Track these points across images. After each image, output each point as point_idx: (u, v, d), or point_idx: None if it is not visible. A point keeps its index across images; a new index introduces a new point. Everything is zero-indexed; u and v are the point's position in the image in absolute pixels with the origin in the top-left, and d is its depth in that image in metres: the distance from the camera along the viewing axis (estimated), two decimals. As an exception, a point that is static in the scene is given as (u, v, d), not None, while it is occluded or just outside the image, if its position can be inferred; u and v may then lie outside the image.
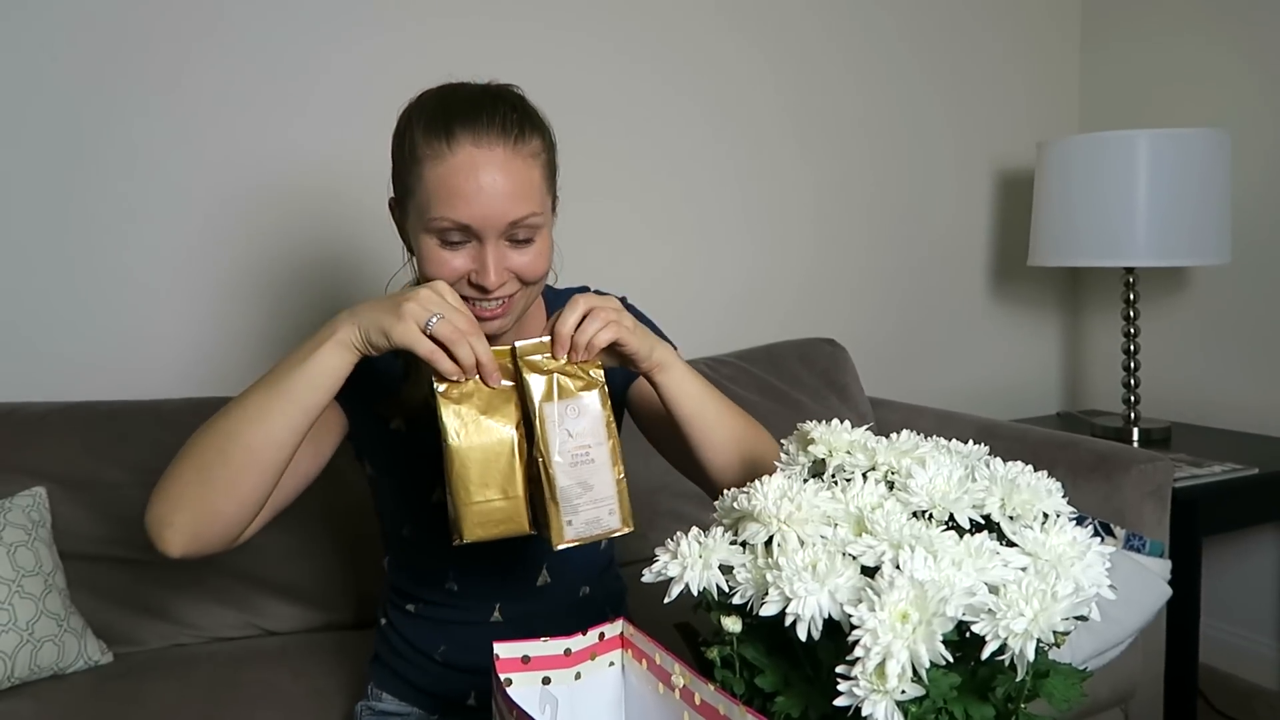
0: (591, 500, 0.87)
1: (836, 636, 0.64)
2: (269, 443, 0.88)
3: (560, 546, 0.87)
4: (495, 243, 0.95)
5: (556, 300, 1.17)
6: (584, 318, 0.89)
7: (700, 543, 0.73)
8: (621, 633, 0.80)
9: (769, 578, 0.67)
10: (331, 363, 0.88)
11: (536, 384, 0.87)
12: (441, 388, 0.86)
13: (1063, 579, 0.64)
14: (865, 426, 0.82)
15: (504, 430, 0.86)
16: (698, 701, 0.68)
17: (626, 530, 0.88)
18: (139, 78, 1.69)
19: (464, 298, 0.96)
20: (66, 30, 1.64)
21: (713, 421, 0.98)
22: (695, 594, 0.72)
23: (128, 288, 1.72)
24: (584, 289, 1.20)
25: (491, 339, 1.01)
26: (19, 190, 1.64)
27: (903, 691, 0.59)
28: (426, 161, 0.95)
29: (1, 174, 1.63)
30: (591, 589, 1.17)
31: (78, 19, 1.64)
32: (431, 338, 0.85)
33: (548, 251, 1.00)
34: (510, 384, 0.88)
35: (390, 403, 1.08)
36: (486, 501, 0.86)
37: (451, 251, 0.96)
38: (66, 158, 1.66)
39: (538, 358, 0.88)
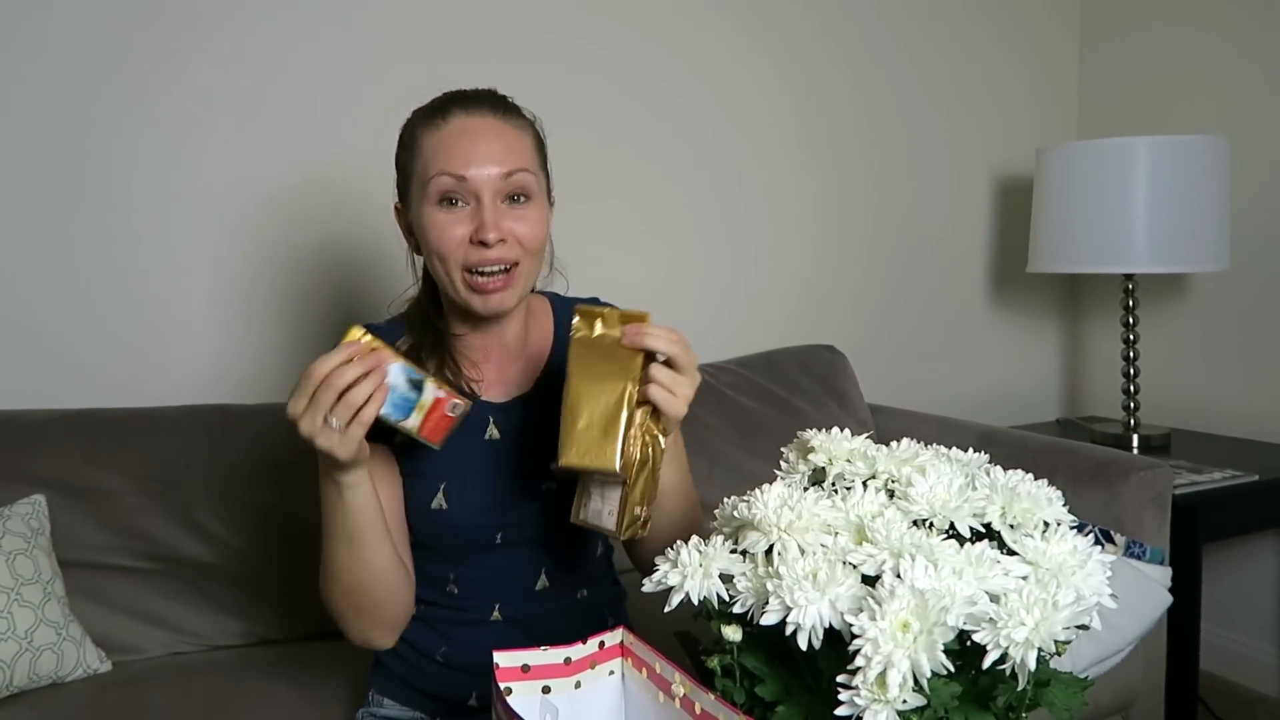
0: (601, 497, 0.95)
1: (837, 645, 0.64)
2: (373, 566, 1.01)
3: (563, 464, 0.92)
4: (492, 201, 1.01)
5: (565, 308, 1.19)
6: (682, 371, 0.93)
7: (700, 552, 0.73)
8: (621, 641, 0.80)
9: (769, 586, 0.67)
10: (343, 496, 0.96)
11: None
12: (578, 334, 0.94)
13: (1064, 588, 0.64)
14: (865, 434, 0.82)
15: (616, 379, 0.92)
16: (698, 710, 0.68)
17: (615, 536, 0.95)
18: (143, 85, 1.69)
19: (468, 269, 1.02)
20: (72, 40, 1.64)
21: (662, 503, 1.02)
22: (695, 603, 0.72)
23: (128, 295, 1.72)
24: (594, 300, 1.20)
25: (502, 316, 1.08)
26: (22, 197, 1.64)
27: (904, 701, 0.59)
28: (423, 137, 1.03)
29: (5, 181, 1.63)
30: (590, 593, 1.18)
31: (81, 29, 1.65)
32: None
33: (544, 221, 1.06)
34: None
35: None
36: (587, 431, 0.91)
37: (451, 216, 1.01)
38: (70, 166, 1.66)
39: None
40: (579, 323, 0.94)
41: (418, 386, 0.94)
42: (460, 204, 1.02)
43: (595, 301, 1.20)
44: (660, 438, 0.94)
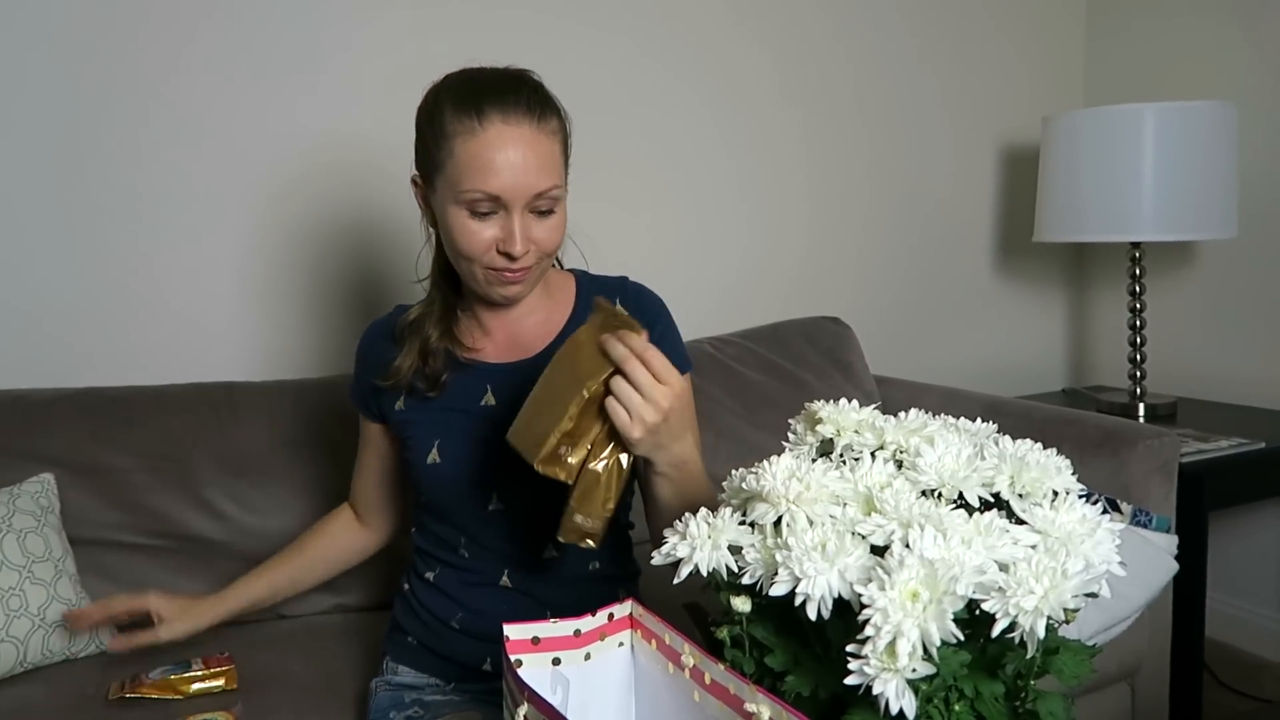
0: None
1: (846, 616, 0.64)
2: (290, 593, 1.35)
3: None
4: (521, 213, 1.02)
5: (589, 286, 1.19)
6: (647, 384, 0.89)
7: (709, 523, 0.73)
8: (631, 613, 0.80)
9: (778, 558, 0.67)
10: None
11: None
12: (580, 332, 0.93)
13: (1073, 556, 0.64)
14: (873, 405, 0.82)
15: (577, 378, 0.91)
16: (708, 681, 0.68)
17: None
18: (145, 60, 1.68)
19: (490, 267, 1.04)
20: (74, 17, 1.63)
21: (671, 516, 0.98)
22: (704, 574, 0.72)
23: (132, 273, 1.71)
24: (622, 280, 1.21)
25: (511, 304, 1.12)
26: (25, 177, 1.63)
27: (913, 670, 0.59)
28: (457, 137, 1.00)
29: (8, 162, 1.62)
30: (602, 565, 1.19)
31: (84, 5, 1.63)
32: None
33: (564, 224, 1.07)
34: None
35: (390, 380, 1.15)
36: (531, 417, 0.94)
37: (481, 223, 1.02)
38: (71, 145, 1.65)
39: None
40: (588, 321, 0.94)
41: None
42: (490, 213, 1.02)
43: (623, 284, 1.19)
44: (623, 455, 0.92)
